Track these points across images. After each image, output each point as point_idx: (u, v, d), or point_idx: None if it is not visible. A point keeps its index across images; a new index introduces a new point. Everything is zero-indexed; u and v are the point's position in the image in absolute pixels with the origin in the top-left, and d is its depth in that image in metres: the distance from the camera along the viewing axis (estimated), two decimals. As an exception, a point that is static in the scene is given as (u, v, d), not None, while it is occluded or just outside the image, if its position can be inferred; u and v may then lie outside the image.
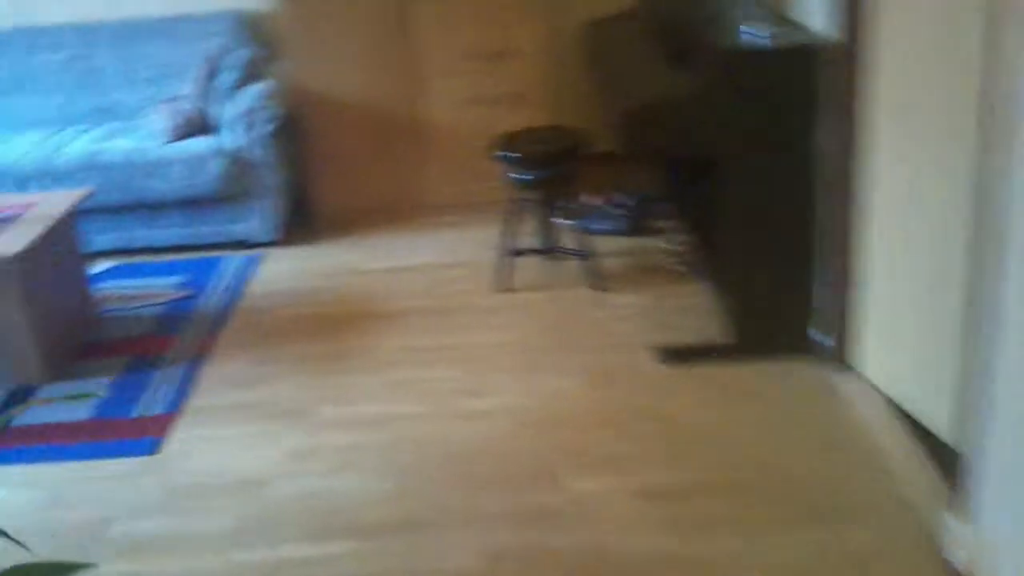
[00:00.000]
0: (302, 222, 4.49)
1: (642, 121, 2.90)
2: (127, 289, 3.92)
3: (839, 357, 3.02)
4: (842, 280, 2.93)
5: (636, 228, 4.21)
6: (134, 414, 3.02)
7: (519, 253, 3.79)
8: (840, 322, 2.99)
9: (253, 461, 2.80)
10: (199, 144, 4.11)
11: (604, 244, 4.06)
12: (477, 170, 4.40)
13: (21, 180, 4.08)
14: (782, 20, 3.05)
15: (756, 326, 3.14)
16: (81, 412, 3.05)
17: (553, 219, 3.79)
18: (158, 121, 4.19)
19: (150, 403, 3.08)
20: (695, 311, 3.48)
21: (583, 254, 3.69)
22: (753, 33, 2.91)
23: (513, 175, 3.62)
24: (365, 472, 2.71)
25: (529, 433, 2.84)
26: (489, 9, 4.23)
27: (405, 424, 2.92)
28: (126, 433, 2.92)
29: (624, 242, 4.13)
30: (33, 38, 4.58)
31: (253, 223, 4.24)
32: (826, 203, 2.92)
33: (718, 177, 3.00)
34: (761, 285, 3.09)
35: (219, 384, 3.20)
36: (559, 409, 2.95)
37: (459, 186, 4.49)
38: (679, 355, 3.20)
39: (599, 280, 3.72)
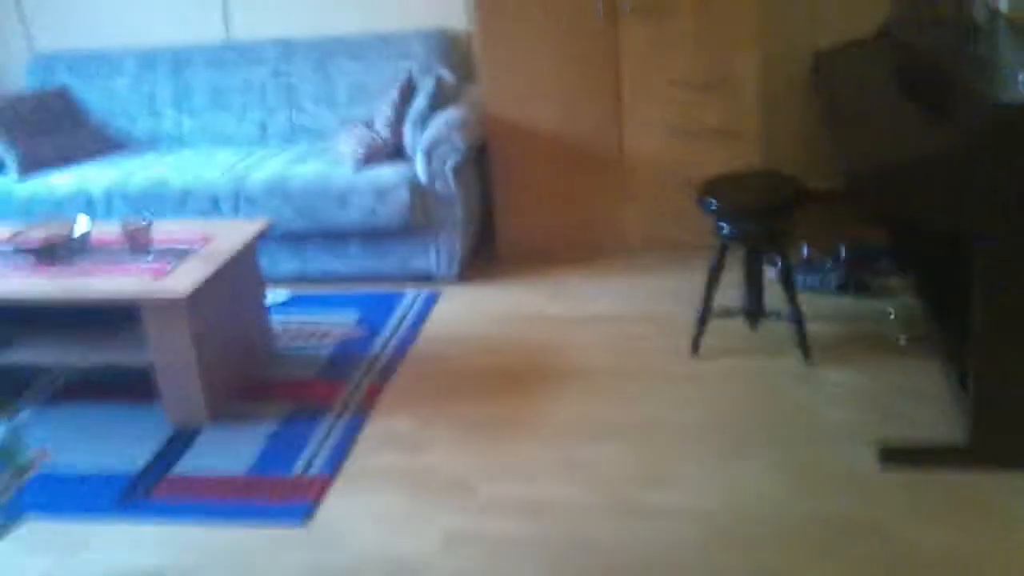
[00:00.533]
0: (485, 257, 4.24)
1: (883, 181, 2.42)
2: (303, 323, 3.80)
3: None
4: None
5: (851, 286, 3.68)
6: (293, 472, 2.85)
7: (719, 313, 3.37)
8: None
9: (407, 542, 2.55)
10: (386, 172, 3.94)
11: (813, 303, 3.56)
12: (678, 210, 4.00)
13: (214, 200, 4.05)
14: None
15: (1002, 427, 2.59)
16: (240, 463, 2.91)
17: (760, 273, 3.33)
18: (347, 145, 4.05)
19: (311, 459, 2.90)
20: (922, 398, 2.95)
21: (792, 318, 3.22)
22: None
23: (717, 224, 3.20)
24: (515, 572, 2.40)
25: (717, 546, 2.44)
26: (705, 32, 3.81)
27: (569, 515, 2.59)
28: (281, 495, 2.75)
29: (836, 302, 3.61)
30: (238, 53, 4.57)
31: (435, 257, 4.03)
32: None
33: (973, 249, 2.48)
34: (1014, 381, 2.53)
35: (381, 444, 2.98)
36: (755, 515, 2.52)
37: (657, 227, 4.10)
38: (903, 456, 2.69)
39: (812, 351, 3.24)
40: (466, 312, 3.82)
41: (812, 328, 3.32)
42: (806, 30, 4.12)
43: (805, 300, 3.55)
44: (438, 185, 3.90)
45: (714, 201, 3.15)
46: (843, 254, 3.83)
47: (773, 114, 4.18)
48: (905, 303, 3.49)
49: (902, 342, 3.27)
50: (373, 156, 4.01)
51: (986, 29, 2.68)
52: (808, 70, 4.02)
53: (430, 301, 3.91)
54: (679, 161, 3.98)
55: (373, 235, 3.99)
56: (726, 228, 3.17)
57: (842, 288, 3.68)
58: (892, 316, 3.43)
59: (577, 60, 3.93)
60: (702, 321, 3.32)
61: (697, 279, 3.69)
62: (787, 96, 4.24)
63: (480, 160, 4.17)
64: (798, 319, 3.21)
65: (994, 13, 2.94)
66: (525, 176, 4.11)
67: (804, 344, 3.23)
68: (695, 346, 3.34)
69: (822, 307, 3.56)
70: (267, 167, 4.09)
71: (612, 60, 3.90)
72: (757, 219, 3.13)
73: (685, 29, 3.80)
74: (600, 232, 4.16)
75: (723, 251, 3.23)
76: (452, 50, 4.41)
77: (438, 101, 4.11)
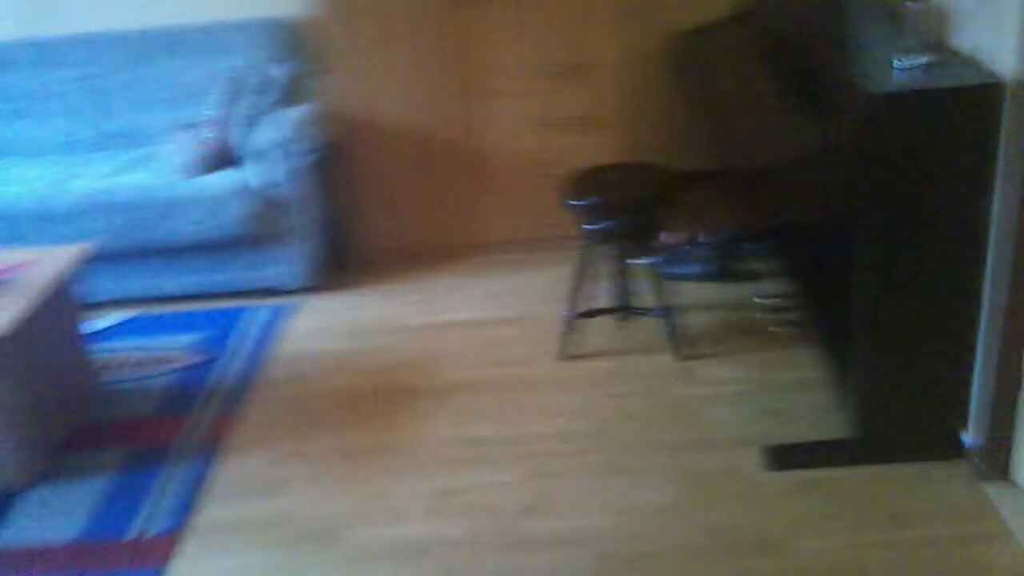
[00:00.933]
0: (340, 264, 3.94)
1: (757, 175, 2.29)
2: (136, 351, 3.41)
3: (996, 466, 2.40)
4: (1012, 375, 2.31)
5: (725, 272, 3.59)
6: (131, 533, 2.51)
7: (589, 313, 3.20)
8: (1003, 424, 2.37)
9: (267, 606, 2.27)
10: (223, 179, 3.57)
11: (687, 292, 3.46)
12: (540, 204, 3.81)
13: (15, 224, 3.56)
14: (943, 49, 2.41)
15: (889, 419, 2.52)
16: (68, 529, 2.54)
17: (628, 263, 3.18)
18: (176, 152, 3.66)
19: (151, 516, 2.56)
20: (805, 390, 2.87)
21: (666, 313, 3.08)
22: (909, 67, 2.28)
23: (584, 223, 3.02)
24: (404, 630, 2.17)
25: (610, 571, 2.26)
26: (560, 17, 3.60)
27: (449, 555, 2.36)
28: (118, 562, 2.41)
29: (711, 290, 3.51)
30: (38, 52, 4.06)
31: (284, 268, 3.70)
32: (999, 281, 2.28)
33: (851, 236, 2.38)
34: (900, 371, 2.46)
35: (232, 490, 2.67)
36: (646, 533, 2.37)
37: (519, 222, 3.90)
38: (791, 456, 2.59)
39: (685, 346, 3.12)
40: (321, 327, 3.52)
41: (690, 321, 3.19)
42: (664, 11, 3.98)
43: (682, 290, 3.45)
44: (280, 190, 3.57)
45: (580, 198, 2.97)
46: (703, 239, 3.74)
47: (641, 101, 4.04)
48: (773, 288, 3.42)
49: (781, 331, 3.19)
50: (204, 162, 3.64)
51: (850, 8, 2.58)
52: (666, 53, 3.90)
53: (280, 317, 3.59)
54: (539, 152, 3.79)
55: (213, 248, 3.63)
56: (593, 225, 3.00)
57: (718, 276, 3.58)
58: (762, 302, 3.34)
59: (426, 49, 3.66)
60: (573, 322, 3.15)
61: (564, 275, 3.53)
62: (648, 80, 4.10)
63: (329, 161, 3.86)
64: (669, 315, 3.08)
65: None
66: (378, 175, 3.83)
67: (677, 340, 3.10)
68: (567, 349, 3.17)
69: (698, 296, 3.45)
70: (82, 181, 3.64)
71: (463, 49, 3.65)
72: (626, 215, 2.96)
73: (539, 15, 3.59)
74: (461, 231, 3.93)
75: (590, 249, 3.06)
76: (291, 42, 4.06)
77: (274, 98, 3.78)
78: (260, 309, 3.65)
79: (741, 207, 3.78)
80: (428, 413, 2.93)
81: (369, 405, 3.00)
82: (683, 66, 3.45)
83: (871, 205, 2.28)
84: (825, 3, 2.71)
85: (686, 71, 3.38)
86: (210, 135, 3.69)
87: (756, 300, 3.36)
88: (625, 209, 2.95)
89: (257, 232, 3.59)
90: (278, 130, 3.56)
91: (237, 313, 3.63)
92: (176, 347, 3.42)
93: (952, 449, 2.52)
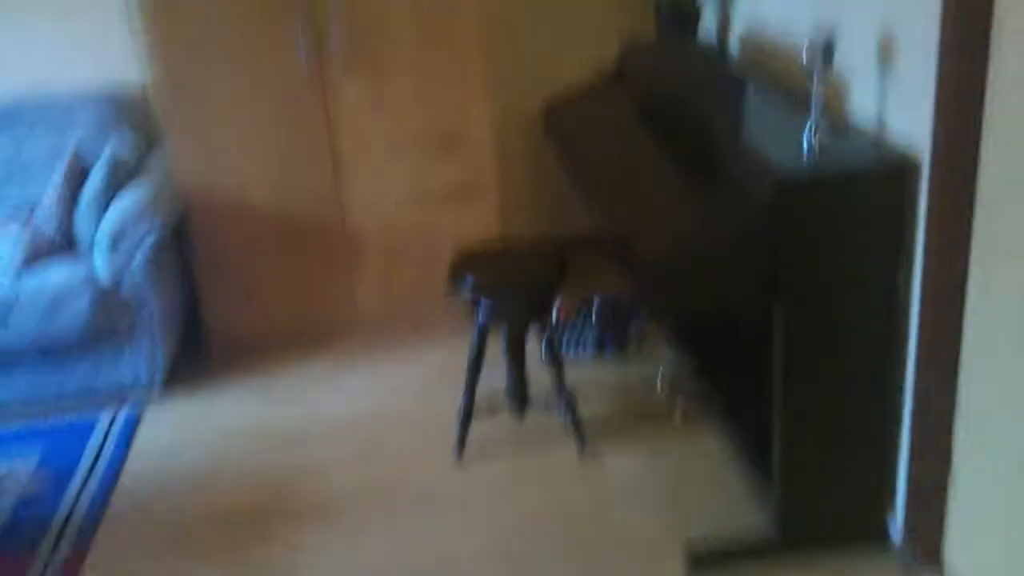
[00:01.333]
0: (198, 359, 3.55)
1: (665, 273, 2.09)
2: (-39, 480, 2.95)
3: (927, 552, 2.27)
4: (934, 457, 2.18)
5: (621, 346, 3.40)
6: None
7: (484, 407, 2.94)
8: (932, 508, 2.23)
9: None
10: (57, 274, 3.16)
11: (584, 372, 3.26)
12: (418, 282, 3.57)
13: None
14: (846, 123, 2.29)
15: (814, 511, 2.37)
16: None
17: (523, 358, 2.94)
18: (6, 244, 3.22)
19: None
20: (720, 483, 2.69)
21: (566, 403, 2.86)
22: (817, 143, 2.14)
23: (474, 309, 2.78)
24: None
25: None
26: (430, 86, 3.37)
27: None
28: None
29: (608, 368, 3.32)
30: None
31: (134, 367, 3.29)
32: (925, 364, 2.15)
33: (757, 315, 2.22)
34: (822, 459, 2.31)
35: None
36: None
37: (398, 301, 3.62)
38: (712, 560, 2.40)
39: (588, 439, 2.90)
40: (177, 435, 3.13)
41: (587, 406, 2.99)
42: (538, 75, 3.83)
43: (575, 370, 3.24)
44: (126, 282, 3.18)
45: (468, 283, 2.72)
46: (594, 309, 3.56)
47: (513, 167, 3.85)
48: (674, 364, 3.25)
49: (677, 417, 3.01)
50: (38, 255, 3.22)
51: (740, 77, 2.45)
52: (540, 119, 3.72)
53: (131, 425, 3.18)
54: (416, 226, 3.53)
55: (51, 350, 3.19)
56: (484, 312, 2.75)
57: (600, 349, 3.39)
58: (660, 381, 3.16)
59: (285, 120, 3.35)
60: (466, 419, 2.88)
61: (451, 359, 3.29)
62: (526, 146, 3.93)
63: (179, 245, 3.49)
64: (570, 407, 2.86)
65: (744, 60, 2.74)
66: (236, 258, 3.48)
67: (580, 434, 2.88)
68: (460, 450, 2.89)
69: (587, 377, 3.25)
70: None
71: (326, 119, 3.37)
72: (518, 301, 2.74)
73: (407, 83, 3.35)
74: (331, 315, 3.62)
75: (482, 337, 2.81)
76: (131, 113, 3.67)
77: (117, 179, 3.39)
78: (110, 418, 3.23)
79: (631, 275, 3.62)
80: (304, 536, 2.60)
81: (236, 530, 2.64)
82: (560, 131, 3.28)
83: (786, 288, 2.12)
84: (713, 71, 2.57)
85: (563, 136, 3.21)
86: (47, 223, 3.26)
87: (659, 380, 3.18)
88: (517, 295, 2.72)
89: (102, 329, 3.18)
90: (124, 214, 3.18)
91: (84, 425, 3.20)
92: (15, 471, 2.97)
93: (881, 538, 2.38)
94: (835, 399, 2.25)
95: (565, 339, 3.39)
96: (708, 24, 3.41)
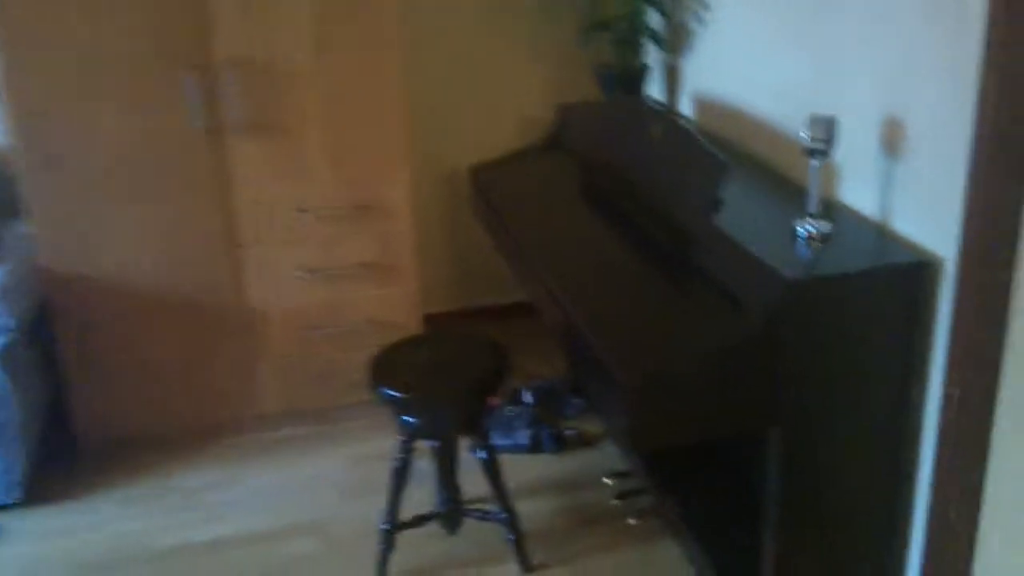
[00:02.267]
0: (63, 465, 3.01)
1: (651, 397, 1.74)
2: None
3: None
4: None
5: (560, 440, 3.04)
6: None
7: (412, 522, 2.52)
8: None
9: None
10: None
11: (520, 471, 2.88)
12: (328, 367, 3.15)
13: None
14: (841, 212, 2.00)
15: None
16: None
17: (455, 467, 2.54)
18: None
19: None
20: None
21: (505, 513, 2.48)
22: (815, 236, 1.84)
23: (400, 415, 2.37)
24: None
25: None
26: (344, 145, 2.96)
27: None
28: None
29: (547, 465, 2.95)
30: None
31: (-15, 479, 2.75)
32: (941, 487, 1.85)
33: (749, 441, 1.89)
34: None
35: None
36: None
37: (303, 392, 3.17)
38: None
39: (530, 552, 2.52)
40: (38, 561, 2.60)
41: (527, 513, 2.62)
42: (464, 142, 3.48)
43: (509, 466, 2.86)
44: (-23, 379, 2.65)
45: (393, 386, 2.31)
46: (526, 396, 3.20)
47: (431, 238, 3.48)
48: (621, 461, 2.91)
49: (632, 521, 2.66)
50: None
51: (708, 151, 2.14)
52: (465, 188, 3.37)
53: (-19, 551, 2.64)
54: (321, 306, 3.10)
55: None
56: (411, 429, 2.35)
57: (539, 444, 3.02)
58: (612, 483, 2.81)
59: (174, 187, 2.89)
60: (388, 544, 2.46)
61: (368, 454, 2.89)
62: (445, 216, 3.56)
63: (44, 332, 2.96)
64: (510, 517, 2.48)
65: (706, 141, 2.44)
66: (114, 348, 2.97)
67: (522, 547, 2.50)
68: (384, 572, 2.47)
69: (524, 476, 2.87)
70: None
71: (222, 184, 2.92)
72: (452, 414, 2.34)
73: (317, 143, 2.94)
74: (227, 408, 3.13)
75: (407, 451, 2.40)
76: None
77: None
78: (-49, 542, 2.68)
79: (597, 393, 3.28)
80: None
81: None
82: (489, 202, 2.92)
83: (788, 408, 1.80)
84: (679, 140, 2.25)
85: (494, 208, 2.85)
86: None
87: (605, 480, 2.82)
88: (449, 408, 2.33)
89: (-55, 435, 2.64)
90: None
91: (-84, 552, 2.63)
92: None
93: None
94: (837, 532, 1.93)
95: (498, 433, 3.01)
96: (653, 86, 3.13)
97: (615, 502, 2.73)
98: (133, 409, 3.04)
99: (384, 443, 2.97)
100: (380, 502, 2.44)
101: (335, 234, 3.03)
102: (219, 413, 3.13)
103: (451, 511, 2.56)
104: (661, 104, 3.15)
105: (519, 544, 2.50)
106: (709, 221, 2.03)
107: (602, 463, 2.92)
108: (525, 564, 2.50)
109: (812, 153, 1.85)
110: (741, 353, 1.72)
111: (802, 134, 1.86)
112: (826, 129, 1.83)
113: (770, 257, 1.82)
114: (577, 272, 2.24)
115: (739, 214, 2.06)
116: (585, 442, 3.06)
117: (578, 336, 1.96)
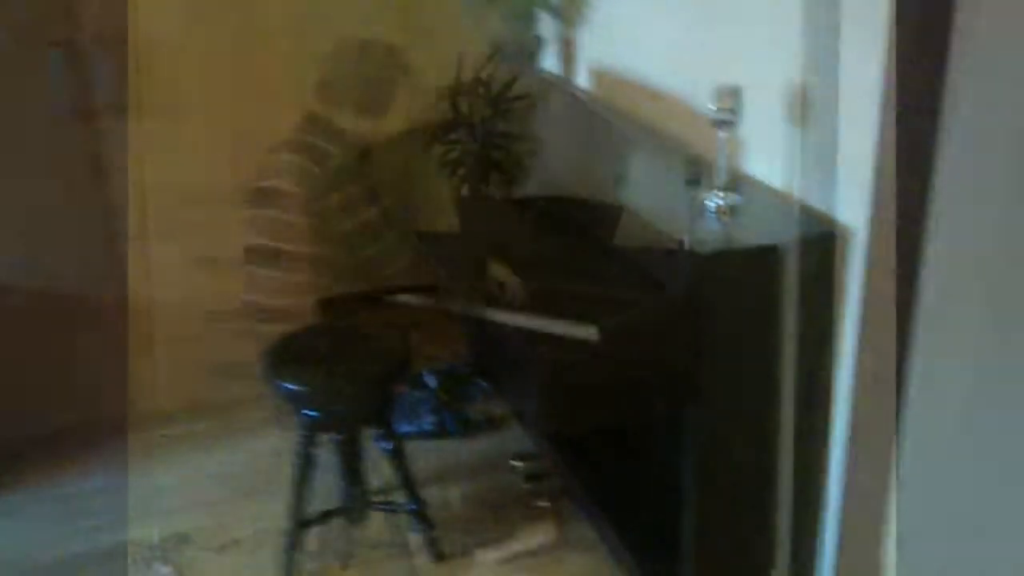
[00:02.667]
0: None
1: (573, 380, 1.68)
2: None
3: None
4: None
5: (463, 423, 2.98)
6: None
7: (317, 519, 2.42)
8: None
9: None
10: None
11: (424, 456, 2.79)
12: (225, 356, 2.98)
13: None
14: (748, 183, 1.97)
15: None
16: None
17: (359, 461, 2.44)
18: None
19: None
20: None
21: (413, 504, 2.40)
22: (722, 207, 1.80)
23: (299, 410, 2.26)
24: None
25: None
26: (235, 126, 2.79)
27: None
28: None
29: (453, 450, 2.88)
30: None
31: None
32: (854, 454, 1.86)
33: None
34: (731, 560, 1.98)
35: None
36: None
37: (195, 389, 3.02)
38: None
39: (438, 545, 2.45)
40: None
41: (434, 499, 2.55)
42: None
43: (414, 451, 2.77)
44: None
45: (290, 381, 2.19)
46: (427, 379, 3.12)
47: (322, 220, 3.33)
48: (519, 436, 2.86)
49: (541, 504, 2.62)
50: None
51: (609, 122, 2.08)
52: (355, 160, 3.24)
53: None
54: (213, 296, 2.94)
55: None
56: (310, 424, 2.24)
57: (441, 428, 2.95)
58: (519, 466, 2.76)
59: (39, 173, 2.69)
60: (292, 546, 2.35)
61: (267, 450, 2.76)
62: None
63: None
64: (420, 511, 2.40)
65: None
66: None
67: (432, 539, 2.43)
68: (290, 571, 2.36)
69: (428, 463, 2.79)
70: None
71: (98, 169, 2.73)
72: (354, 408, 2.25)
73: (200, 131, 2.77)
74: (114, 403, 2.95)
75: (308, 446, 2.29)
76: None
77: None
78: None
79: (469, 337, 3.21)
80: None
81: None
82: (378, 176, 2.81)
83: (706, 386, 1.77)
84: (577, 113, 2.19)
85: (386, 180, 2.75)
86: None
87: (513, 463, 2.77)
88: (350, 402, 2.24)
89: None
90: None
91: None
92: None
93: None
94: (755, 505, 1.92)
95: (400, 419, 2.92)
96: (548, 59, 3.05)
97: (526, 485, 2.68)
98: (4, 410, 2.83)
99: (285, 437, 2.85)
100: (283, 499, 2.33)
101: (222, 220, 2.87)
102: (103, 412, 2.95)
103: (357, 505, 2.47)
104: (557, 78, 3.08)
105: (429, 535, 2.43)
106: (615, 197, 1.98)
107: (509, 446, 2.87)
108: (437, 554, 2.43)
109: (719, 124, 1.81)
110: (654, 329, 1.68)
111: (709, 106, 1.82)
112: (732, 99, 1.79)
113: (680, 232, 1.77)
114: (484, 249, 2.17)
115: (645, 189, 2.02)
116: (491, 425, 3.00)
117: (488, 319, 1.88)
